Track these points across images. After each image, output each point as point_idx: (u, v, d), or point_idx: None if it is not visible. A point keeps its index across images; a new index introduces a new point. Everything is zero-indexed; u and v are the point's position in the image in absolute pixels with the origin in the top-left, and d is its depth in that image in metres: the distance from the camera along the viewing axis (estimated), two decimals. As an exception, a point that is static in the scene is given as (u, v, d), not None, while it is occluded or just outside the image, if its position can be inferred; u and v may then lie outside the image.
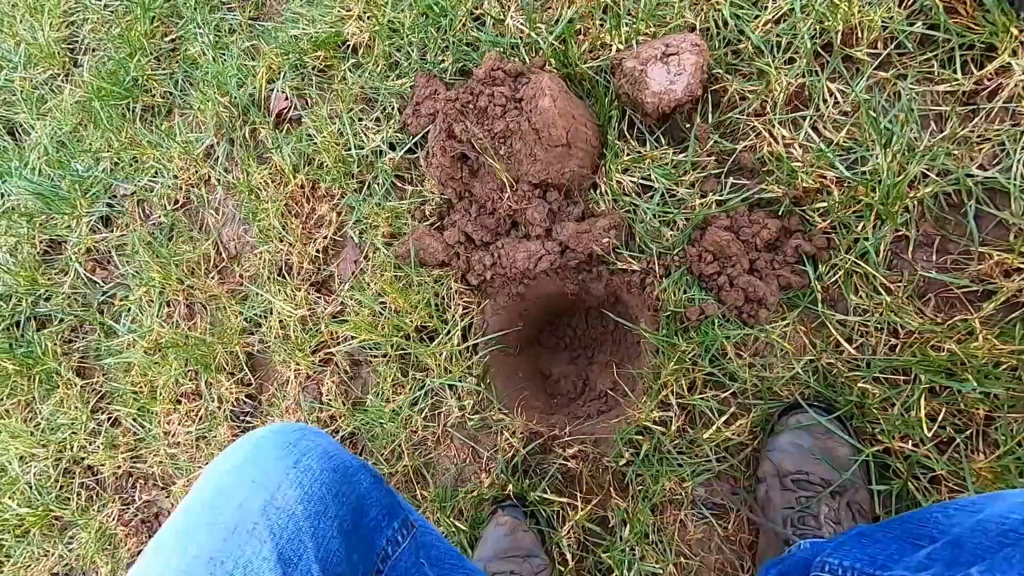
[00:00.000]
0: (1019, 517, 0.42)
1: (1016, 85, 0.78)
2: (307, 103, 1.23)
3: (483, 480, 1.00)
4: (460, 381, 1.02)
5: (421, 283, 1.05)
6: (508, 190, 0.98)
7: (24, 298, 1.45)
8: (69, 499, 1.35)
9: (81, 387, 1.37)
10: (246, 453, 0.49)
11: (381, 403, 1.07)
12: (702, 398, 0.89)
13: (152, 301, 1.32)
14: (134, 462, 1.32)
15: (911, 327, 0.79)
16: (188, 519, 0.44)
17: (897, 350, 0.80)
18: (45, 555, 1.35)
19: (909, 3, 0.84)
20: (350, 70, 1.18)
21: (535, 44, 1.02)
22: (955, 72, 0.81)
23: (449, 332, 1.03)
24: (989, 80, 0.80)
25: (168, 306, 1.32)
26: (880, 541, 0.55)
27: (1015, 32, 0.77)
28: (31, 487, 1.36)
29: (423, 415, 1.05)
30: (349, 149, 1.15)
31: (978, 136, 0.80)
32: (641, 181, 0.95)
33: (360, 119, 1.16)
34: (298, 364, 1.16)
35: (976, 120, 0.80)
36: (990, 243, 0.78)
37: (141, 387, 1.30)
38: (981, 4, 0.80)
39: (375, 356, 1.10)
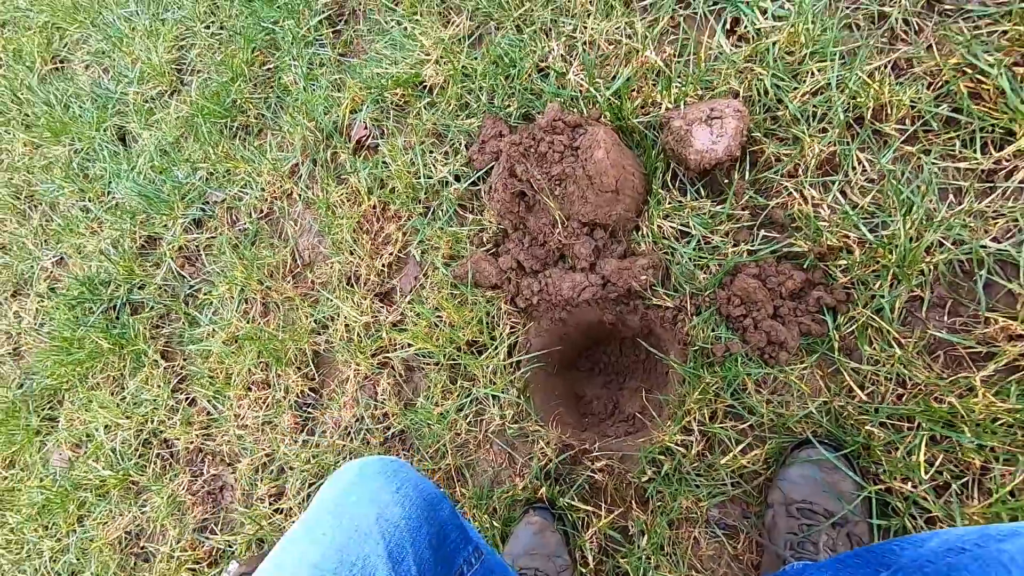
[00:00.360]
0: (941, 549, 0.52)
1: (1031, 168, 0.86)
2: (384, 133, 1.38)
3: (517, 483, 1.11)
4: (503, 393, 1.14)
5: (475, 302, 1.18)
6: (559, 226, 1.10)
7: (122, 285, 1.64)
8: (146, 467, 1.52)
9: (164, 368, 1.55)
10: (357, 475, 0.63)
11: (430, 406, 1.20)
12: (722, 427, 0.98)
13: (232, 298, 1.49)
14: (205, 439, 1.48)
15: (918, 380, 0.87)
16: (315, 522, 0.58)
17: (903, 399, 0.88)
18: (121, 514, 1.52)
19: (937, 86, 0.93)
20: (425, 108, 1.33)
21: (593, 98, 1.14)
22: (975, 152, 0.90)
23: (496, 348, 1.15)
24: (1007, 161, 0.88)
25: (246, 303, 1.48)
26: (851, 567, 0.65)
27: (1032, 121, 0.85)
28: (115, 452, 1.54)
29: (467, 420, 1.17)
30: (419, 177, 1.29)
31: (993, 211, 0.88)
32: (680, 227, 1.05)
33: (431, 151, 1.30)
34: (358, 365, 1.30)
35: (992, 196, 0.88)
36: (997, 309, 0.86)
37: (217, 373, 1.47)
38: (1003, 92, 0.88)
39: (428, 364, 1.23)
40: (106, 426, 1.58)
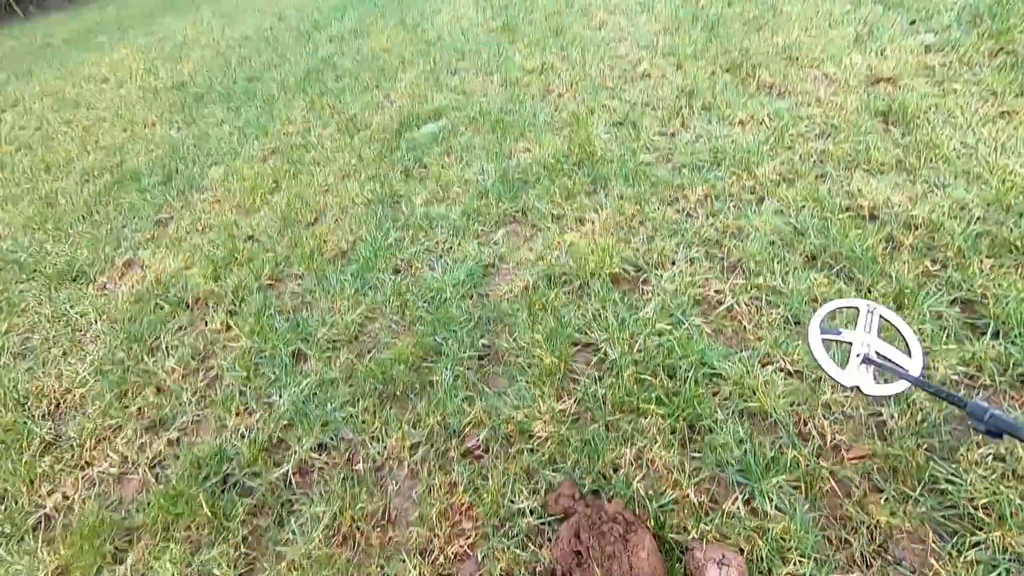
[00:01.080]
0: None
1: None
2: (489, 452, 1.91)
3: None
4: None
5: (513, 619, 1.53)
6: (595, 590, 1.50)
7: (243, 467, 2.06)
8: (178, 636, 1.74)
9: (242, 553, 1.87)
10: None
11: None
12: None
13: (322, 519, 1.88)
14: (240, 634, 1.72)
15: None
16: None
17: None
18: (132, 674, 1.70)
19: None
20: (526, 451, 1.86)
21: (645, 505, 1.64)
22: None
23: (517, 668, 1.46)
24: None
25: (331, 528, 1.86)
26: None
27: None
28: (161, 611, 1.78)
29: None
30: (504, 498, 1.76)
31: None
32: (680, 633, 1.44)
33: (519, 484, 1.79)
34: (401, 628, 1.61)
35: None
36: None
37: (283, 579, 1.78)
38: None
39: (458, 655, 1.53)
40: (164, 581, 1.85)
